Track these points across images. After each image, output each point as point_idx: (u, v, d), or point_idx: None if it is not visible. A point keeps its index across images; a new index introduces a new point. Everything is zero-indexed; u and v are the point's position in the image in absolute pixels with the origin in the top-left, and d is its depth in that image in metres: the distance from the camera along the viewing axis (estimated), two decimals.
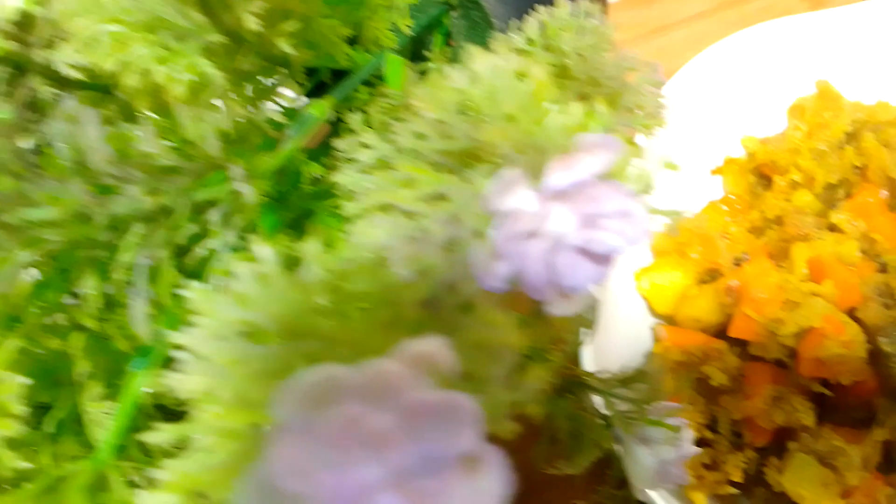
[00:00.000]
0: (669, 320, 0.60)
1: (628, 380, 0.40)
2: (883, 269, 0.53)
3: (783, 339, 0.51)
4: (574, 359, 0.44)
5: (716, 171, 0.65)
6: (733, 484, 0.53)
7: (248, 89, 0.41)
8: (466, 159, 0.29)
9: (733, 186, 0.64)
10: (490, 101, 0.27)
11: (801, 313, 0.50)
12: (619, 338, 0.59)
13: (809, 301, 0.51)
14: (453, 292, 0.24)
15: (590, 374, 0.41)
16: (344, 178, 0.28)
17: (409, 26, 0.52)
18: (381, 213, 0.27)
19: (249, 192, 0.35)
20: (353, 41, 0.52)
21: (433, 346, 0.19)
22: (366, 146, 0.29)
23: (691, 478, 0.52)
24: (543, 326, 0.34)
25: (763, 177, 0.64)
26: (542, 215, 0.24)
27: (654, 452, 0.39)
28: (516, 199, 0.24)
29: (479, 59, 0.28)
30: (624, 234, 0.24)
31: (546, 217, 0.24)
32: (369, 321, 0.21)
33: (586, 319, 0.41)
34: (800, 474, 0.50)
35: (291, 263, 0.22)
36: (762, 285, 0.52)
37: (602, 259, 0.24)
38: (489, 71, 0.27)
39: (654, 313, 0.61)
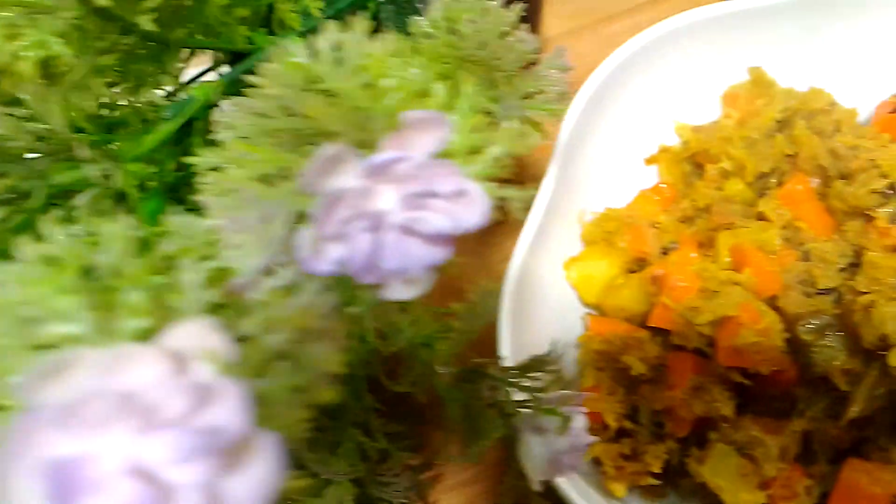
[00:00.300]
0: (598, 310, 0.59)
1: (527, 368, 0.40)
2: (806, 257, 0.52)
3: (700, 328, 0.50)
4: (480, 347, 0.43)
5: (650, 160, 0.64)
6: (658, 475, 0.53)
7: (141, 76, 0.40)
8: (315, 137, 0.28)
9: (667, 175, 0.64)
10: (330, 78, 0.26)
11: (718, 302, 0.49)
12: (551, 328, 0.58)
13: (727, 289, 0.50)
14: (270, 274, 0.23)
15: (488, 363, 0.40)
16: (197, 159, 0.27)
17: (321, 9, 0.51)
18: (226, 194, 0.26)
19: (116, 176, 0.34)
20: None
21: (202, 330, 0.18)
22: (229, 126, 0.28)
23: (611, 469, 0.52)
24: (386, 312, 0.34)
25: (697, 165, 0.63)
26: (366, 195, 0.23)
27: (547, 442, 0.38)
28: (339, 178, 0.23)
29: (324, 35, 0.27)
30: (455, 214, 0.23)
31: (371, 197, 0.23)
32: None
33: (484, 310, 0.40)
34: (719, 465, 0.50)
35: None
36: (680, 274, 0.52)
37: (433, 240, 0.24)
38: (330, 46, 0.26)
39: (583, 303, 0.60)
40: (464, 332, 0.38)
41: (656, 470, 0.51)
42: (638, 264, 0.58)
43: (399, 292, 0.24)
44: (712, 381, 0.50)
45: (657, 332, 0.54)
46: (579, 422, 0.38)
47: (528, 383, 0.39)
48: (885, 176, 0.49)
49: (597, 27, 0.81)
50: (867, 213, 0.50)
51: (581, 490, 0.48)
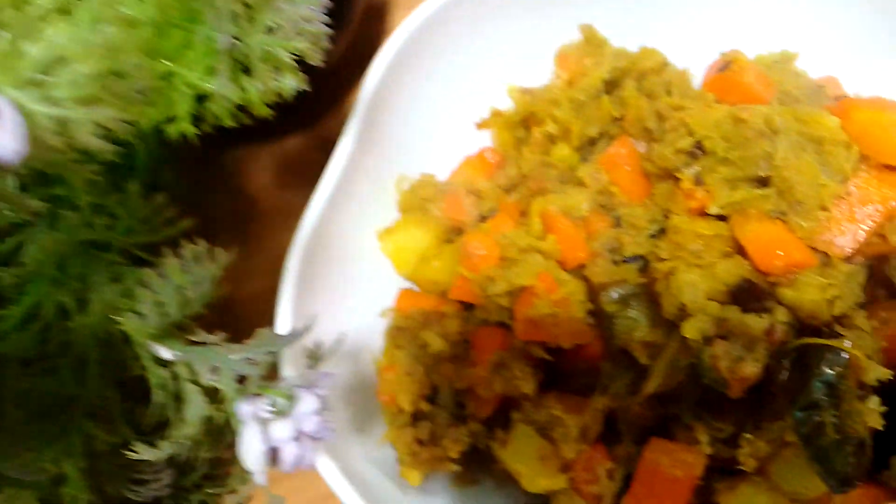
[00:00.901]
0: (413, 283, 0.55)
1: (250, 348, 0.35)
2: (617, 223, 0.48)
3: (498, 299, 0.46)
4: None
5: (482, 125, 0.60)
6: (465, 460, 0.49)
7: None
8: None
9: (499, 141, 0.60)
10: None
11: (514, 271, 0.45)
12: (366, 302, 0.54)
13: (526, 258, 0.46)
14: None
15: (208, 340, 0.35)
16: None
17: None
18: None
19: None
20: None
21: None
22: None
23: (405, 455, 0.48)
24: None
25: (529, 130, 0.59)
26: None
27: (266, 430, 0.33)
28: None
29: None
30: None
31: None
32: None
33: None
34: (519, 447, 0.46)
35: None
36: (479, 242, 0.48)
37: None
38: None
39: (400, 275, 0.56)
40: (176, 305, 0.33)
41: (454, 455, 0.47)
42: (456, 234, 0.54)
43: None
44: (513, 356, 0.46)
45: (467, 307, 0.50)
46: (310, 405, 0.33)
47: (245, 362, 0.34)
48: (691, 134, 0.45)
49: None
50: (675, 174, 0.46)
51: (375, 481, 0.43)
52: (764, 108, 0.44)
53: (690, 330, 0.41)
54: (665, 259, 0.44)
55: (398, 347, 0.49)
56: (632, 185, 0.50)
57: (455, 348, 0.48)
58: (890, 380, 0.42)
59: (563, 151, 0.55)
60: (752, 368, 0.41)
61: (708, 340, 0.42)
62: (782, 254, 0.41)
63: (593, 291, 0.46)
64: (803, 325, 0.43)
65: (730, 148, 0.43)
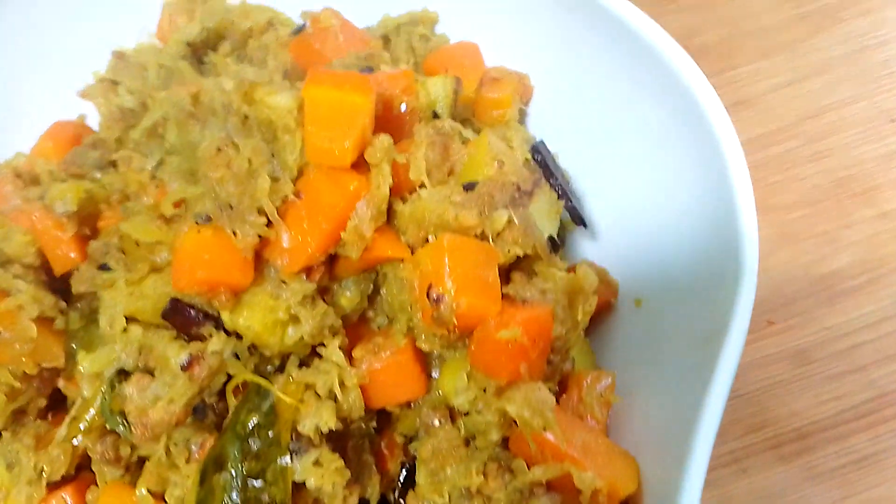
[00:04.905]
0: None
1: None
2: None
3: None
4: None
5: (84, 94, 0.51)
6: None
7: None
8: None
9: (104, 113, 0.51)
10: None
11: None
12: None
13: None
14: None
15: None
16: None
17: None
18: None
19: None
20: None
21: None
22: None
23: None
24: None
25: None
26: None
27: None
28: None
29: None
30: None
31: None
32: None
33: None
34: None
35: None
36: None
37: None
38: None
39: None
40: None
41: None
42: None
43: None
44: None
45: None
46: None
47: None
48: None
49: None
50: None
51: None
52: (217, 82, 0.35)
53: (95, 363, 0.33)
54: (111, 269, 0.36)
55: None
56: None
57: None
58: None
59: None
60: (161, 413, 0.33)
61: (122, 374, 0.34)
62: (204, 268, 0.33)
63: None
64: (264, 357, 0.35)
65: (181, 130, 0.35)
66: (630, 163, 0.42)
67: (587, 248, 0.45)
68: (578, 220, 0.39)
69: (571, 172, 0.45)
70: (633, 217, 0.41)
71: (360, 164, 0.34)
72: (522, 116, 0.48)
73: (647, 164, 0.40)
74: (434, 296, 0.31)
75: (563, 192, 0.38)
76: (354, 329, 0.37)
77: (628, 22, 0.38)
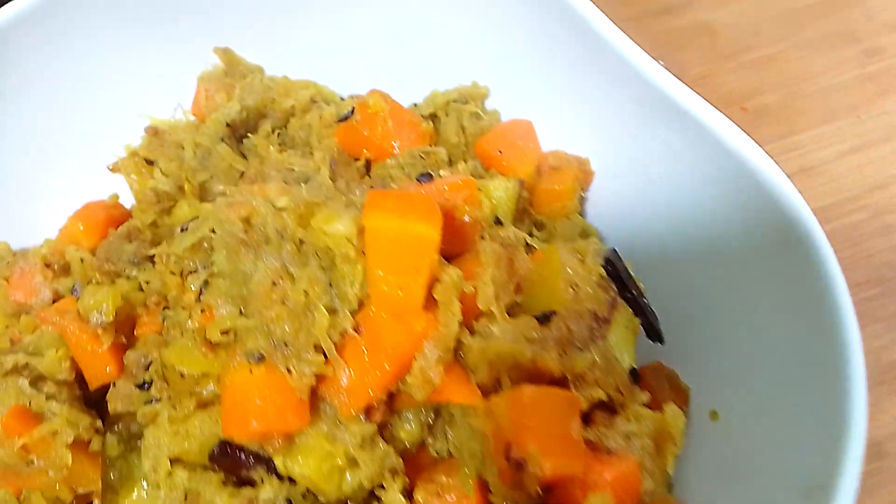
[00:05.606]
0: None
1: None
2: None
3: None
4: None
5: (114, 168, 0.49)
6: None
7: None
8: None
9: (138, 189, 0.49)
10: None
11: None
12: None
13: None
14: None
15: None
16: None
17: None
18: None
19: None
20: None
21: None
22: None
23: None
24: None
25: None
26: None
27: None
28: None
29: None
30: None
31: None
32: None
33: None
34: None
35: None
36: None
37: None
38: None
39: None
40: None
41: None
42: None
43: None
44: None
45: None
46: None
47: None
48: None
49: None
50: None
51: None
52: (268, 202, 0.32)
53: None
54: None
55: None
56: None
57: None
58: None
59: (182, 210, 0.44)
60: None
61: None
62: (258, 417, 0.30)
63: None
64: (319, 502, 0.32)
65: (231, 256, 0.32)
66: (705, 262, 0.39)
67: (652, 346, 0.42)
68: (656, 337, 0.36)
69: (636, 266, 0.41)
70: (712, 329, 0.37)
71: (427, 299, 0.31)
72: (582, 203, 0.45)
73: (726, 269, 0.37)
74: (514, 458, 0.28)
75: (641, 309, 0.35)
76: (413, 458, 0.34)
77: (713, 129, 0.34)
